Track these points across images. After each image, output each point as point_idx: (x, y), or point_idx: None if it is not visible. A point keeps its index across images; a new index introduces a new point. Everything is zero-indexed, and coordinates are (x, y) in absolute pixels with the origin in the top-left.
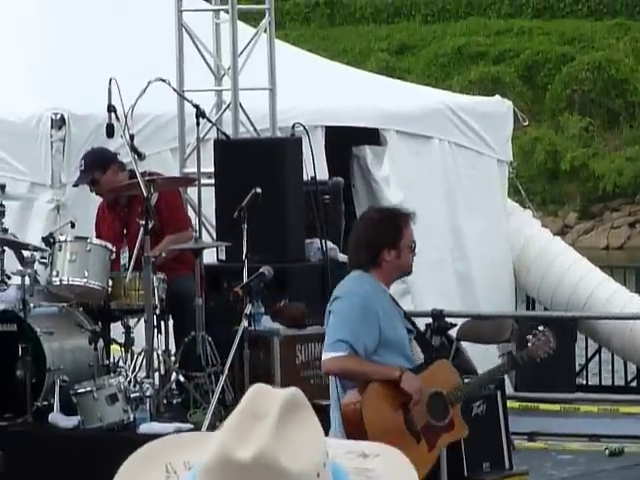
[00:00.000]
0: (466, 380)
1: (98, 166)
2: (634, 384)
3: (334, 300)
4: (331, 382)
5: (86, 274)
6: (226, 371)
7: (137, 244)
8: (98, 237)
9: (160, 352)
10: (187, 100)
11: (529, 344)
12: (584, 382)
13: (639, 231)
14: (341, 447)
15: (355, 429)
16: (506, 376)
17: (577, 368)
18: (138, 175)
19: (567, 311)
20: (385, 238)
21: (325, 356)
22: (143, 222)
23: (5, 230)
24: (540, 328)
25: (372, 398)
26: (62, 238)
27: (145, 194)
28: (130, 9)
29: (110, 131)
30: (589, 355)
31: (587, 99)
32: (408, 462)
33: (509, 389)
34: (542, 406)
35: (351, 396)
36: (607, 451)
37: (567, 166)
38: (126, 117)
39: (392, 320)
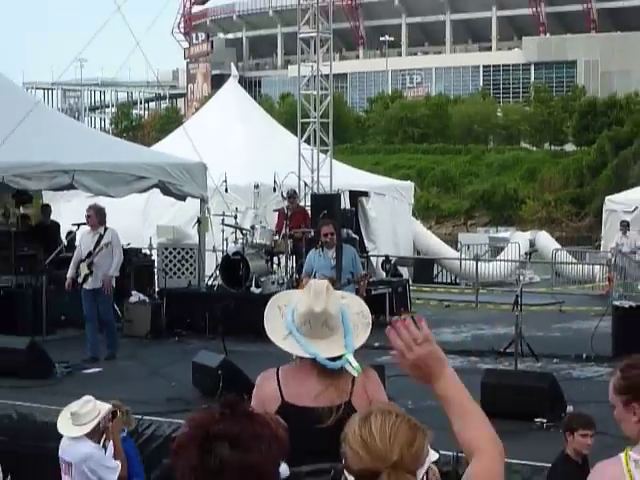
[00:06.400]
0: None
1: (297, 195)
2: (456, 282)
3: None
4: None
5: (264, 239)
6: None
7: (283, 230)
8: (278, 224)
9: (289, 267)
10: (301, 180)
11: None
12: (438, 280)
13: (459, 226)
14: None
15: None
16: (410, 276)
17: (433, 275)
18: (285, 207)
19: (430, 256)
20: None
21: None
22: (284, 222)
23: (237, 223)
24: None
25: None
26: (257, 226)
27: (286, 212)
28: (280, 136)
29: (274, 189)
30: (438, 270)
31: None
32: (362, 301)
33: (411, 281)
34: (424, 289)
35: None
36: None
37: (429, 206)
38: (280, 185)
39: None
